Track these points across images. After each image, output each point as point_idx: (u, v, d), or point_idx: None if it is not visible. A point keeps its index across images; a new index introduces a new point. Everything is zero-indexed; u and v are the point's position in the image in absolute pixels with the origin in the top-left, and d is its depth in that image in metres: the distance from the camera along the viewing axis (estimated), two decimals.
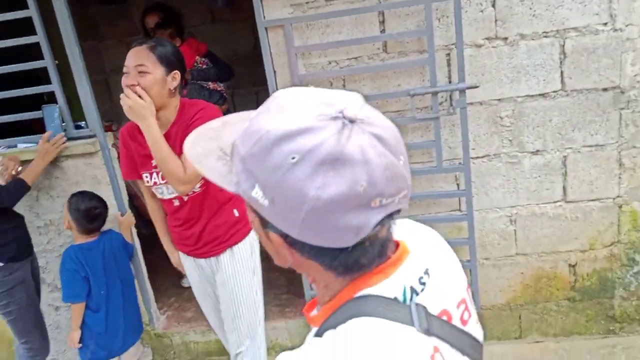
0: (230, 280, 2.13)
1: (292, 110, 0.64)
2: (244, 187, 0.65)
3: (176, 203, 2.04)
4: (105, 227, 2.61)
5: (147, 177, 2.03)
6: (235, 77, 4.24)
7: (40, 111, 2.63)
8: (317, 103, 0.64)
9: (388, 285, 0.69)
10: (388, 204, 0.63)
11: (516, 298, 2.68)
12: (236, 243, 2.11)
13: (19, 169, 2.55)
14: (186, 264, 2.25)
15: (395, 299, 0.69)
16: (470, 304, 0.79)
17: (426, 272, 0.74)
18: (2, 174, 2.46)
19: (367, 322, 0.66)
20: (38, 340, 2.55)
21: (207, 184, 1.99)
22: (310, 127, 0.61)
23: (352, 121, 0.62)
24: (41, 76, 2.97)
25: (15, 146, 2.70)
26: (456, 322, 0.74)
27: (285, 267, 0.74)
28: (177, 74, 1.90)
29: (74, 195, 2.51)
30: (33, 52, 2.68)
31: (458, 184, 2.54)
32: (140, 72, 1.83)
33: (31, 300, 2.50)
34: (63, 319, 2.95)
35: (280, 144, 0.61)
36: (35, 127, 3.03)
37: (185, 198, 2.01)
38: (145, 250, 2.97)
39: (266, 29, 2.35)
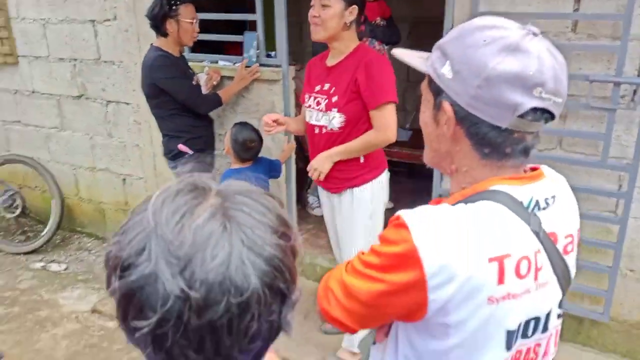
0: (347, 219, 2.31)
1: (491, 19, 0.82)
2: (435, 66, 0.85)
3: (316, 131, 2.25)
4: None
5: (307, 97, 2.28)
6: (418, 39, 4.32)
7: (241, 35, 3.03)
8: (511, 21, 0.82)
9: (519, 190, 0.83)
10: (545, 99, 0.78)
11: None
12: (357, 186, 2.26)
13: (219, 80, 2.99)
14: (320, 192, 2.50)
15: (521, 203, 0.82)
16: (575, 244, 0.91)
17: (552, 197, 0.87)
18: (206, 83, 2.92)
19: (493, 205, 0.81)
20: None
21: (345, 126, 2.15)
22: (504, 26, 0.80)
23: (535, 34, 0.79)
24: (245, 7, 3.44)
25: (217, 62, 3.15)
26: (559, 247, 0.86)
27: (431, 160, 0.94)
28: (354, 9, 2.08)
29: (236, 124, 2.80)
30: None
31: (620, 185, 2.38)
32: (322, 5, 2.06)
33: None
34: None
35: (478, 30, 0.81)
36: (229, 49, 3.51)
37: (324, 130, 2.20)
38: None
39: None
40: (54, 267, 3.76)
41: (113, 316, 3.11)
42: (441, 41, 0.86)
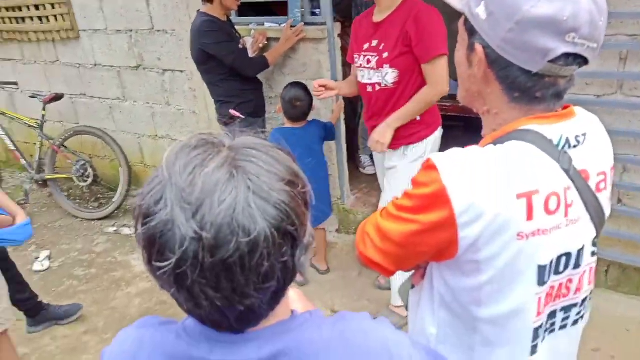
0: (398, 174, 2.31)
1: None
2: (471, 5, 0.84)
3: (369, 89, 2.23)
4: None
5: (356, 57, 2.26)
6: None
7: None
8: None
9: (549, 129, 0.83)
10: (579, 44, 0.77)
11: None
12: (412, 143, 2.25)
13: (265, 42, 3.00)
14: (375, 154, 2.50)
15: (551, 141, 0.82)
16: (609, 182, 0.89)
17: (583, 135, 0.86)
18: (252, 46, 2.95)
19: (523, 144, 0.81)
20: None
21: (400, 81, 2.13)
22: None
23: None
24: None
25: (263, 24, 3.16)
26: (592, 185, 0.85)
27: (465, 100, 0.94)
28: None
29: (288, 84, 2.82)
30: None
31: None
32: None
33: None
34: None
35: None
36: (276, 10, 3.50)
37: (377, 88, 2.18)
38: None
39: None
40: (125, 230, 4.01)
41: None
42: None
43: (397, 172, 2.32)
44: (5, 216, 1.99)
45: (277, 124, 3.32)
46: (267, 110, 3.26)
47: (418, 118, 2.21)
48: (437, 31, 2.03)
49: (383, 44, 2.12)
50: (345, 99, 3.24)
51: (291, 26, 2.95)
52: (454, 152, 0.83)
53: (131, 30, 3.70)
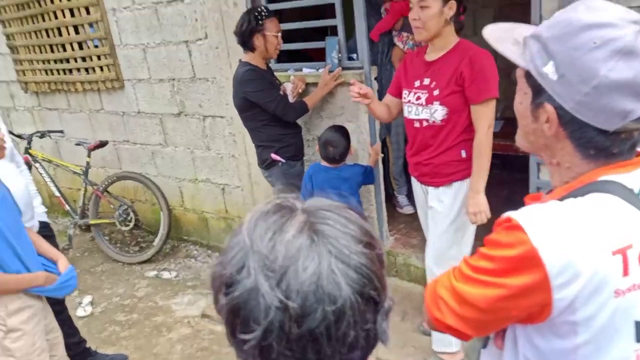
0: (446, 211, 2.29)
1: (598, 10, 0.77)
2: (536, 63, 0.82)
3: (416, 125, 2.24)
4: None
5: (405, 93, 2.28)
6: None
7: (323, 41, 3.08)
8: (619, 9, 0.77)
9: (628, 178, 0.81)
10: None
11: None
12: (458, 180, 2.25)
13: (304, 87, 3.07)
14: (415, 187, 2.49)
15: (632, 191, 0.80)
16: None
17: None
18: (292, 92, 3.01)
19: (607, 197, 0.79)
20: None
21: (448, 119, 2.14)
22: (614, 24, 0.75)
23: None
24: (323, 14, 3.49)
25: (301, 70, 3.23)
26: None
27: (524, 148, 0.92)
28: (453, 3, 2.07)
29: (328, 127, 2.88)
30: None
31: None
32: (421, 7, 2.06)
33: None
34: None
35: (586, 30, 0.76)
36: (312, 55, 3.57)
37: (425, 124, 2.19)
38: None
39: None
40: (166, 274, 4.04)
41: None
42: (540, 31, 0.82)
43: (444, 208, 2.30)
44: (52, 274, 2.03)
45: None
46: (305, 152, 3.29)
47: (464, 155, 2.21)
48: (491, 74, 2.07)
49: (435, 82, 2.15)
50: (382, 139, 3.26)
51: (329, 71, 3.00)
52: (536, 209, 0.80)
53: (174, 79, 3.83)
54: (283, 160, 2.90)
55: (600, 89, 0.74)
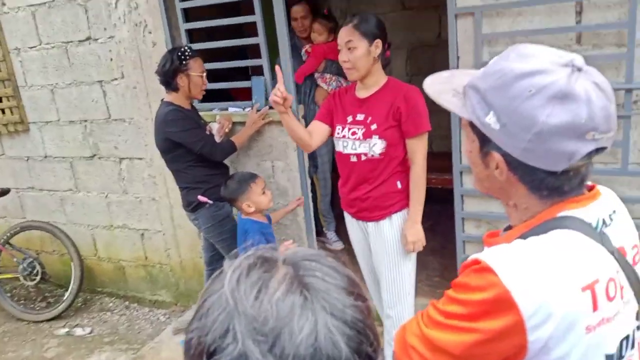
0: (388, 244, 2.32)
1: (529, 57, 0.80)
2: (478, 114, 0.83)
3: (353, 159, 2.27)
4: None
5: (339, 129, 2.31)
6: (416, 64, 4.39)
7: (249, 81, 3.08)
8: (549, 54, 0.80)
9: (586, 212, 0.83)
10: (599, 139, 0.78)
11: None
12: (396, 212, 2.30)
13: (230, 126, 3.03)
14: (350, 226, 2.50)
15: (590, 225, 0.82)
16: None
17: (614, 212, 0.87)
18: (219, 132, 2.95)
19: (569, 233, 0.80)
20: None
21: (386, 152, 2.20)
22: (546, 70, 0.77)
23: (579, 69, 0.77)
24: (246, 52, 3.52)
25: (227, 109, 3.19)
26: (629, 260, 0.85)
27: (482, 191, 0.93)
28: (378, 42, 2.17)
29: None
30: (245, 29, 3.16)
31: None
32: (349, 49, 2.14)
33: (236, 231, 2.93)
34: None
35: (520, 79, 0.78)
36: (236, 95, 3.56)
37: (363, 158, 2.23)
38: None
39: (456, 15, 2.44)
40: (79, 331, 3.71)
41: None
42: (477, 82, 0.84)
43: (386, 242, 2.33)
44: None
45: None
46: None
47: (399, 186, 2.28)
48: (423, 109, 2.18)
49: (370, 117, 2.21)
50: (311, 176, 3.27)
51: (257, 110, 3.00)
52: (504, 250, 0.80)
53: (86, 120, 3.63)
54: (210, 202, 2.81)
55: (542, 135, 0.76)
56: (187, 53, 2.68)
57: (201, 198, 2.79)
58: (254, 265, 0.53)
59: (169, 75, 2.68)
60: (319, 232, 3.88)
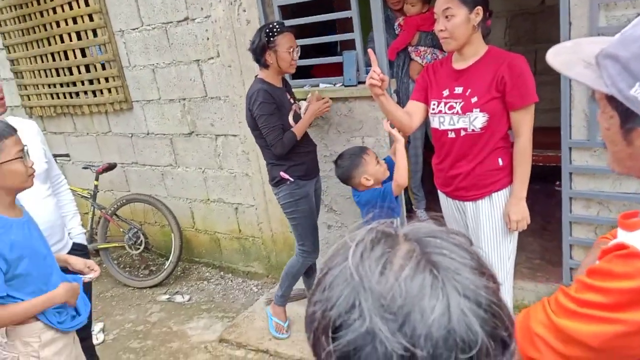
0: (488, 224, 2.21)
1: None
2: (619, 86, 0.74)
3: (451, 135, 2.17)
4: None
5: (434, 104, 2.21)
6: (515, 34, 4.11)
7: (339, 57, 3.04)
8: None
9: None
10: None
11: None
12: (497, 190, 2.18)
13: (328, 105, 2.90)
14: (445, 205, 2.40)
15: None
16: None
17: None
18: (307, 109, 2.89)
19: None
20: (311, 245, 3.02)
21: (488, 126, 2.08)
22: None
23: None
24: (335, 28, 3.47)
25: (318, 85, 3.18)
26: None
27: (621, 172, 0.84)
28: (479, 9, 2.02)
29: (349, 149, 2.64)
30: (335, 5, 3.11)
31: None
32: (447, 17, 2.01)
33: (311, 212, 2.97)
34: (332, 236, 3.45)
35: None
36: (317, 74, 3.53)
37: (463, 133, 2.13)
38: None
39: None
40: (178, 298, 3.94)
41: (240, 344, 3.19)
42: (616, 51, 0.75)
43: (486, 222, 2.22)
44: (74, 283, 1.94)
45: (333, 183, 3.27)
46: (322, 168, 3.23)
47: (501, 163, 2.15)
48: (530, 79, 2.03)
49: (470, 89, 2.09)
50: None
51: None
52: None
53: (184, 99, 3.78)
54: (291, 179, 2.84)
55: None
56: (275, 30, 2.67)
57: (283, 174, 2.83)
58: (376, 240, 0.51)
59: (257, 53, 2.70)
60: (409, 210, 3.81)
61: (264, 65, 2.73)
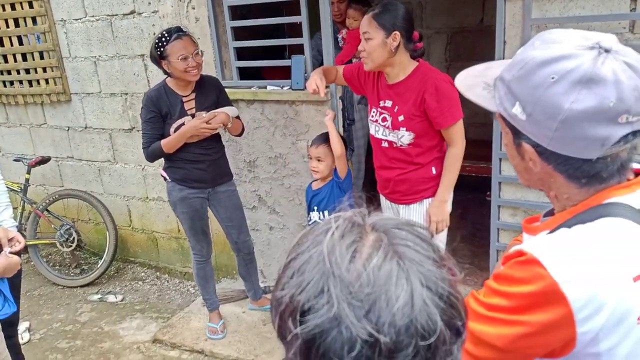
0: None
1: (553, 43, 0.77)
2: (505, 105, 0.81)
3: (384, 144, 2.27)
4: None
5: (373, 112, 2.31)
6: (455, 50, 4.32)
7: (288, 60, 3.08)
8: (575, 37, 0.77)
9: (632, 199, 0.79)
10: (634, 122, 0.73)
11: None
12: (428, 197, 2.29)
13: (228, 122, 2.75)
14: (383, 207, 2.50)
15: (639, 211, 0.78)
16: None
17: None
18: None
19: (617, 221, 0.76)
20: (196, 246, 3.01)
21: (415, 142, 2.19)
22: (569, 54, 0.74)
23: (607, 51, 0.73)
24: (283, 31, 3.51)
25: (265, 87, 3.20)
26: None
27: (527, 184, 0.90)
28: (396, 34, 2.10)
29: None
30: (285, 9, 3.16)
31: None
32: (366, 39, 2.12)
33: (189, 217, 2.89)
34: (274, 238, 3.47)
35: (542, 67, 0.75)
36: (269, 76, 3.57)
37: (394, 146, 2.23)
38: None
39: None
40: (111, 298, 3.82)
41: (175, 345, 3.13)
42: (504, 74, 0.82)
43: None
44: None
45: (277, 185, 3.31)
46: (267, 171, 3.25)
47: (434, 172, 2.26)
48: (454, 99, 2.11)
49: (397, 107, 2.19)
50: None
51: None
52: (549, 240, 0.78)
53: (127, 93, 3.69)
54: (169, 179, 2.85)
55: (569, 122, 0.73)
56: (164, 39, 2.58)
57: (162, 172, 2.88)
58: (346, 229, 0.53)
59: (155, 64, 2.69)
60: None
61: (166, 74, 2.70)
